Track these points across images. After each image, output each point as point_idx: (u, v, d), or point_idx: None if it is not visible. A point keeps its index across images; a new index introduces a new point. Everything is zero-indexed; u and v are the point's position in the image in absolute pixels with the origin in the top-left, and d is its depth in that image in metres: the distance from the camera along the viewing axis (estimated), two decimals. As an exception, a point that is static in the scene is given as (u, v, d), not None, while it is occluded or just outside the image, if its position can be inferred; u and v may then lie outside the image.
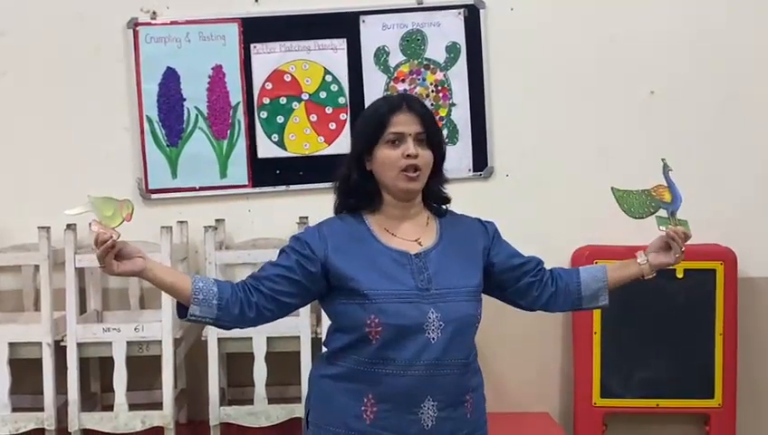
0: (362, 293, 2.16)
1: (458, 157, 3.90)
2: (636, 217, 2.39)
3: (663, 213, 2.37)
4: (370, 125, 2.25)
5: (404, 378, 2.15)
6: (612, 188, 2.43)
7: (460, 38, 3.90)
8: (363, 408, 2.18)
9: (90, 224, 2.09)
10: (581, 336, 3.80)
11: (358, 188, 2.26)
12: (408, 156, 2.18)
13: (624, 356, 3.78)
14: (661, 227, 2.33)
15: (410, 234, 2.25)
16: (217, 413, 3.49)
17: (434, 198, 2.31)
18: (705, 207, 3.88)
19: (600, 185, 3.84)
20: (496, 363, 3.83)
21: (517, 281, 2.34)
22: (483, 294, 2.30)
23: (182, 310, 2.16)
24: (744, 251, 3.80)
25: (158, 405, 3.53)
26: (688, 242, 2.31)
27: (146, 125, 3.87)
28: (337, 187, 2.31)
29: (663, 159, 2.42)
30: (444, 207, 2.35)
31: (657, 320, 3.77)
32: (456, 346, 2.18)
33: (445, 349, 2.16)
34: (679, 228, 2.30)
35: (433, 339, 2.15)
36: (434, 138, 2.24)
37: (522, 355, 3.94)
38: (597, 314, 3.74)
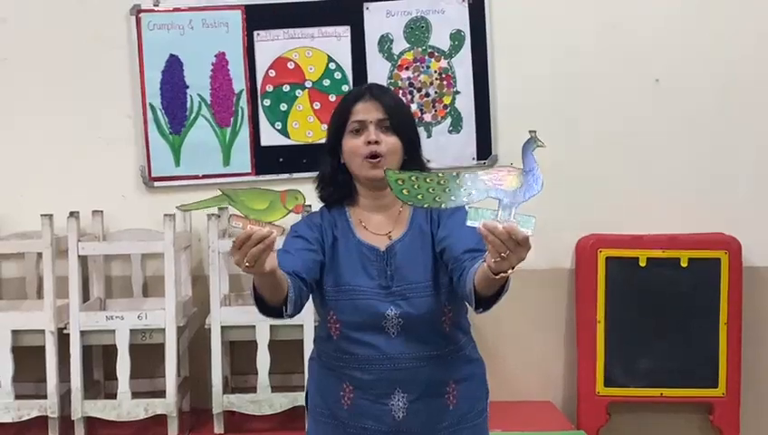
0: (324, 289, 2.20)
1: (462, 145, 3.89)
2: (428, 206, 1.86)
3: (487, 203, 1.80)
4: (337, 117, 2.27)
5: (368, 372, 2.20)
6: (386, 171, 1.91)
7: (464, 26, 3.88)
8: (342, 393, 2.24)
9: (230, 219, 1.88)
10: (585, 325, 3.79)
11: (332, 182, 2.28)
12: (369, 142, 2.18)
13: (628, 345, 3.78)
14: (469, 222, 1.78)
15: (382, 227, 2.26)
16: (220, 401, 3.49)
17: None
18: (710, 195, 3.90)
19: (605, 174, 3.88)
20: (499, 352, 3.83)
21: (447, 265, 2.16)
22: None
23: (263, 305, 2.04)
24: (749, 240, 3.79)
25: (161, 393, 3.53)
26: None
27: (149, 112, 3.86)
28: (316, 182, 2.32)
29: (532, 132, 1.85)
30: None
31: (661, 309, 3.76)
32: (420, 341, 2.19)
33: (406, 344, 2.18)
34: (504, 226, 1.74)
35: (393, 334, 2.17)
36: (399, 124, 2.23)
37: (525, 344, 3.94)
38: (601, 302, 3.73)
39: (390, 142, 2.21)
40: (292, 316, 2.06)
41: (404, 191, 1.85)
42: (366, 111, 2.22)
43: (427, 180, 1.85)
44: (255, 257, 1.80)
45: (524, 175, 1.81)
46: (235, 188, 1.92)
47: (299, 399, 3.44)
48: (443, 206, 1.84)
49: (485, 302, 1.97)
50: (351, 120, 2.22)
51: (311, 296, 2.23)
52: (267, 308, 2.04)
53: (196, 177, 3.89)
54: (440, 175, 1.86)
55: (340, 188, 2.28)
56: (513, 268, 1.80)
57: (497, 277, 1.82)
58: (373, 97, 2.24)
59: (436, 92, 3.89)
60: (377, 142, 2.19)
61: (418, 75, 3.89)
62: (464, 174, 1.84)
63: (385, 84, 3.84)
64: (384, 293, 2.18)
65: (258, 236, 1.79)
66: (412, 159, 2.26)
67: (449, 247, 2.13)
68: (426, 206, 1.86)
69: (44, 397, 3.48)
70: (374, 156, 2.19)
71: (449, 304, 2.22)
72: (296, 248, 2.17)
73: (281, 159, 3.89)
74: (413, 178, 1.86)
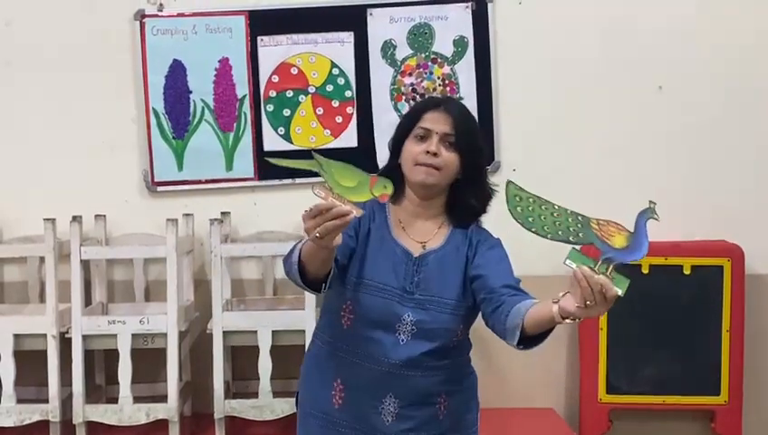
0: (347, 277, 2.20)
1: (465, 151, 3.89)
2: (534, 232, 1.89)
3: (589, 252, 1.84)
4: (406, 118, 2.29)
5: (367, 371, 2.20)
6: (508, 183, 1.95)
7: (468, 32, 3.88)
8: (333, 392, 2.26)
9: (315, 188, 1.84)
10: (588, 332, 3.78)
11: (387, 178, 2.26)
12: (428, 152, 2.18)
13: (630, 352, 3.77)
14: (568, 262, 1.83)
15: (420, 234, 2.26)
16: (222, 406, 3.49)
17: (462, 208, 2.27)
18: (713, 203, 3.89)
19: (608, 181, 3.88)
20: (502, 358, 3.82)
21: (476, 293, 2.19)
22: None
23: (304, 276, 2.03)
24: (752, 247, 3.78)
25: (162, 398, 3.53)
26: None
27: (152, 117, 3.86)
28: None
29: (652, 203, 1.88)
30: (469, 221, 2.30)
31: (664, 316, 3.76)
32: (426, 353, 2.19)
33: (412, 353, 2.18)
34: (599, 277, 1.77)
35: (402, 340, 2.18)
36: (462, 143, 2.21)
37: (527, 351, 3.92)
38: (603, 309, 3.72)
39: (449, 158, 2.20)
40: (323, 292, 2.08)
41: (518, 208, 1.90)
42: (434, 121, 2.21)
43: (543, 207, 1.90)
44: (328, 231, 1.80)
45: (632, 238, 1.84)
46: (328, 159, 1.88)
47: (300, 404, 3.44)
48: (548, 237, 1.87)
49: (529, 340, 2.00)
50: (418, 126, 2.22)
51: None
52: (305, 279, 2.03)
53: (199, 181, 3.89)
54: (556, 207, 1.91)
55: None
56: (580, 319, 1.84)
57: (565, 322, 1.86)
58: (446, 110, 2.23)
59: (439, 98, 3.89)
60: (435, 154, 2.18)
61: (422, 81, 3.89)
62: (577, 215, 1.89)
63: (387, 90, 3.85)
64: (406, 297, 2.18)
65: (338, 212, 1.79)
66: (469, 178, 2.25)
67: (486, 277, 2.16)
68: (532, 230, 1.89)
69: (46, 401, 3.48)
70: (432, 167, 2.18)
71: (463, 325, 2.24)
72: None
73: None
74: (531, 199, 1.92)
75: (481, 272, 2.18)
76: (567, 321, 1.86)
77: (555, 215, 1.89)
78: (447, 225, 2.29)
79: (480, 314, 2.20)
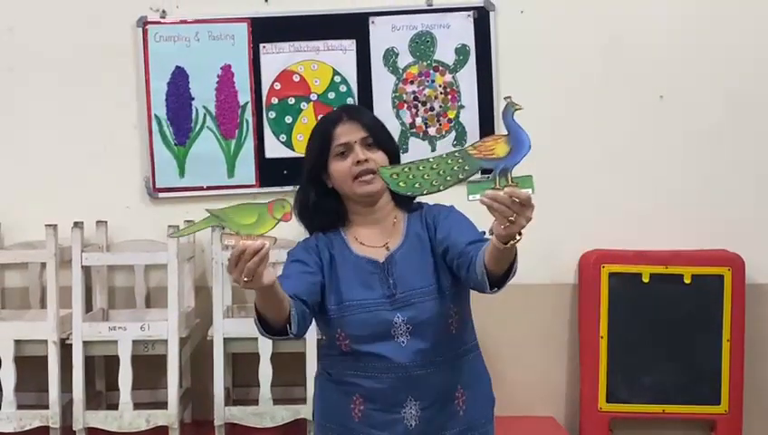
0: (328, 308, 2.23)
1: (466, 159, 3.89)
2: (427, 193, 1.89)
3: (479, 176, 1.86)
4: (317, 143, 2.31)
5: (381, 382, 2.21)
6: (379, 169, 2.04)
7: (470, 40, 3.89)
8: (352, 406, 2.26)
9: (222, 237, 1.87)
10: (588, 340, 3.78)
11: (321, 209, 2.31)
12: (359, 162, 2.22)
13: (630, 361, 3.77)
14: (470, 197, 1.82)
15: (378, 239, 2.29)
16: (222, 413, 3.49)
17: (401, 196, 2.29)
18: (714, 212, 3.89)
19: (609, 190, 3.88)
20: (502, 366, 3.81)
21: (451, 263, 2.20)
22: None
23: (265, 325, 2.08)
24: (752, 257, 3.78)
25: (162, 404, 3.53)
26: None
27: (154, 124, 3.87)
28: (298, 213, 2.33)
29: (507, 98, 1.93)
30: (417, 202, 2.35)
31: (664, 325, 3.75)
32: (430, 345, 2.21)
33: (417, 351, 2.20)
34: (504, 190, 1.77)
35: (403, 343, 2.20)
36: (381, 139, 2.28)
37: (528, 359, 3.93)
38: (604, 318, 3.72)
39: (377, 158, 2.25)
40: (297, 336, 2.09)
41: (401, 184, 1.90)
42: (348, 133, 2.26)
43: (420, 168, 1.90)
44: (252, 271, 1.83)
45: (510, 139, 1.85)
46: (221, 208, 1.92)
47: (301, 411, 3.44)
48: (441, 188, 1.87)
49: (498, 281, 2.00)
50: (335, 145, 2.26)
51: (314, 320, 2.26)
52: (272, 330, 2.07)
53: (201, 188, 3.89)
54: (431, 160, 1.91)
55: (328, 215, 2.32)
56: (521, 235, 1.83)
57: (507, 246, 1.85)
58: (351, 118, 2.28)
59: (440, 106, 3.89)
60: (366, 160, 2.23)
61: (423, 89, 3.90)
62: (454, 153, 1.90)
63: (389, 98, 3.86)
64: (389, 302, 2.20)
65: (252, 250, 1.81)
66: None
67: (452, 245, 2.18)
68: (425, 192, 1.89)
69: (46, 407, 3.48)
70: (368, 173, 2.22)
71: (454, 305, 2.25)
72: (295, 272, 2.21)
73: (285, 172, 3.89)
74: (406, 169, 1.91)
75: (447, 243, 2.20)
76: (511, 244, 1.85)
77: (435, 167, 1.89)
78: (402, 217, 2.32)
79: (465, 285, 2.21)
